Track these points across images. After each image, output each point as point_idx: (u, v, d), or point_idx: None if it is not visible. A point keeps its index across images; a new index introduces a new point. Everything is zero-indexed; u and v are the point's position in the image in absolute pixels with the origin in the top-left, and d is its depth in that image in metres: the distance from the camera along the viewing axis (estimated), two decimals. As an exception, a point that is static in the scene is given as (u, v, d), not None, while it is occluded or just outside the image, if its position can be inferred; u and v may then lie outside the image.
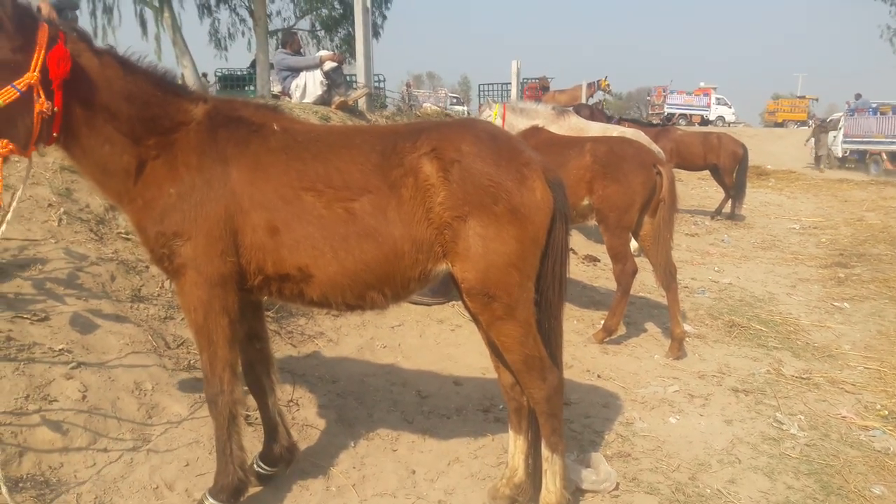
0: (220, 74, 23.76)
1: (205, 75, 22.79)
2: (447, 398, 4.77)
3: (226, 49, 25.21)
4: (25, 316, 3.86)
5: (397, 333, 5.82)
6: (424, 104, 19.15)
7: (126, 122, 2.83)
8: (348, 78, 12.28)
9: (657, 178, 5.74)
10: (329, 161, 2.90)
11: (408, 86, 32.08)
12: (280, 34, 23.83)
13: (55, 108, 2.65)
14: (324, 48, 23.78)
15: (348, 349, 5.34)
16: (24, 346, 3.67)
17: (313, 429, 4.14)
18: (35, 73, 2.57)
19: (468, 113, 29.32)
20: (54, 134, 2.72)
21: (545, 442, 3.19)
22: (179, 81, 3.58)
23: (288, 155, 2.91)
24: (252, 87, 20.69)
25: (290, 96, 10.33)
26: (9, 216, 2.77)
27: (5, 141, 2.57)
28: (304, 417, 4.21)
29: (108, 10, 22.89)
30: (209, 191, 2.83)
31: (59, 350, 3.76)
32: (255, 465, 3.50)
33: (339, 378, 4.82)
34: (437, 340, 5.82)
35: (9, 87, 2.54)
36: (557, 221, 3.01)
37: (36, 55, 2.58)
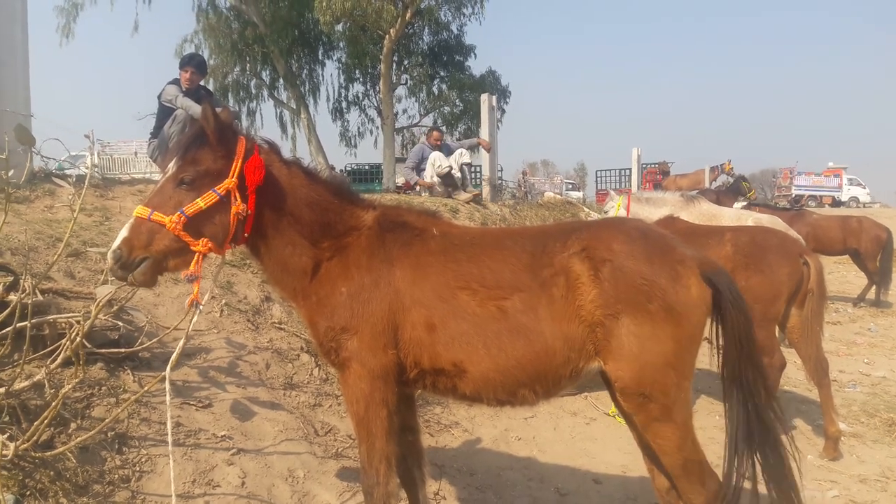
0: (349, 169, 25.57)
1: (332, 168, 24.62)
2: (587, 497, 4.63)
3: (355, 146, 27.29)
4: (192, 403, 4.16)
5: (531, 425, 5.76)
6: (546, 193, 19.42)
7: (307, 226, 3.11)
8: (473, 169, 12.77)
9: (804, 269, 5.50)
10: (482, 262, 3.03)
11: (524, 174, 32.66)
12: (405, 131, 25.42)
13: (249, 211, 2.96)
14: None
15: (483, 440, 5.33)
16: (191, 432, 3.93)
17: (455, 523, 4.13)
18: (233, 180, 2.90)
19: (584, 198, 29.36)
20: (245, 234, 3.03)
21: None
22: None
23: (445, 257, 3.07)
24: (378, 181, 22.07)
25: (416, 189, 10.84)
26: (201, 307, 3.04)
27: (206, 239, 2.88)
28: (446, 511, 4.22)
29: (251, 114, 25.76)
30: (376, 290, 3.01)
31: (222, 436, 4.00)
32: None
33: (477, 471, 4.80)
34: (571, 434, 5.71)
35: (210, 191, 2.88)
36: (731, 310, 2.97)
37: (235, 163, 2.93)
